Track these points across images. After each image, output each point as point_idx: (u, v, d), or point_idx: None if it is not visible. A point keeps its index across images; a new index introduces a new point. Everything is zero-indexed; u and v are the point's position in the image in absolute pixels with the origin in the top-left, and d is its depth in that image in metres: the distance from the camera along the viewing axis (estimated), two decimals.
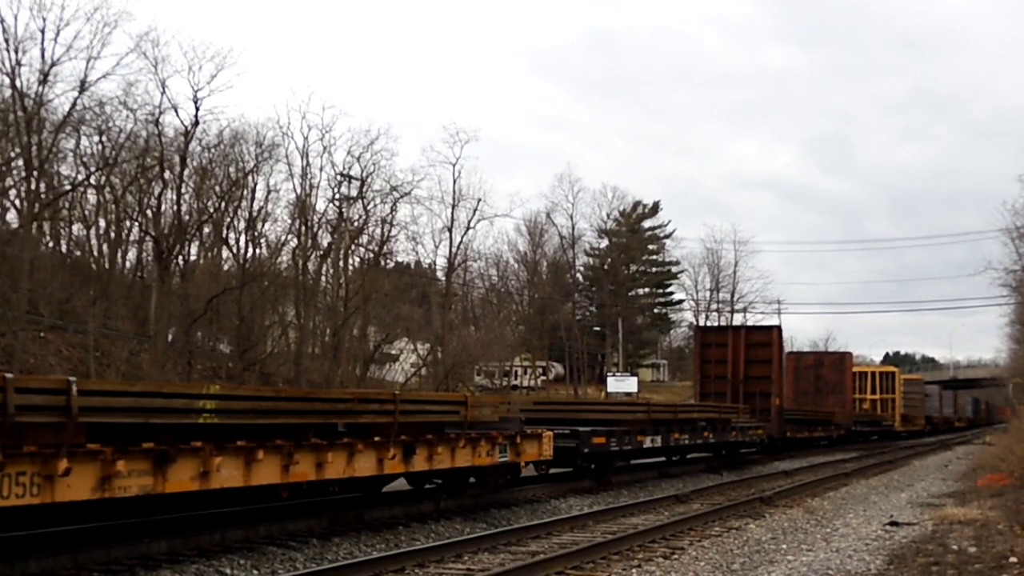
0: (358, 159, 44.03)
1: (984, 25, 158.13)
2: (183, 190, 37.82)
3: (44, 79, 31.63)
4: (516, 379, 64.78)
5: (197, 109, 36.46)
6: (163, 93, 35.96)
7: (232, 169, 41.08)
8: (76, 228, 41.12)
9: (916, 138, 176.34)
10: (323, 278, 46.07)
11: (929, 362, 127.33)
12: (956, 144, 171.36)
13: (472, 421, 13.40)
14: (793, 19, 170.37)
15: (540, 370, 70.07)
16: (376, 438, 11.38)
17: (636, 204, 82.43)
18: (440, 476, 14.46)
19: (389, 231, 47.34)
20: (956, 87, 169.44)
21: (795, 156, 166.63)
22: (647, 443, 19.58)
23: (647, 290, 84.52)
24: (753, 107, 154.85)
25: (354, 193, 44.66)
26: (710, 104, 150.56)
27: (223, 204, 40.59)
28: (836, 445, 39.49)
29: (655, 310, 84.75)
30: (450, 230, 52.74)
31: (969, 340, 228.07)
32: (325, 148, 45.35)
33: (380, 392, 17.36)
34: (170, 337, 36.23)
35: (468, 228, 53.82)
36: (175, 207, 37.31)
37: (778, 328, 32.90)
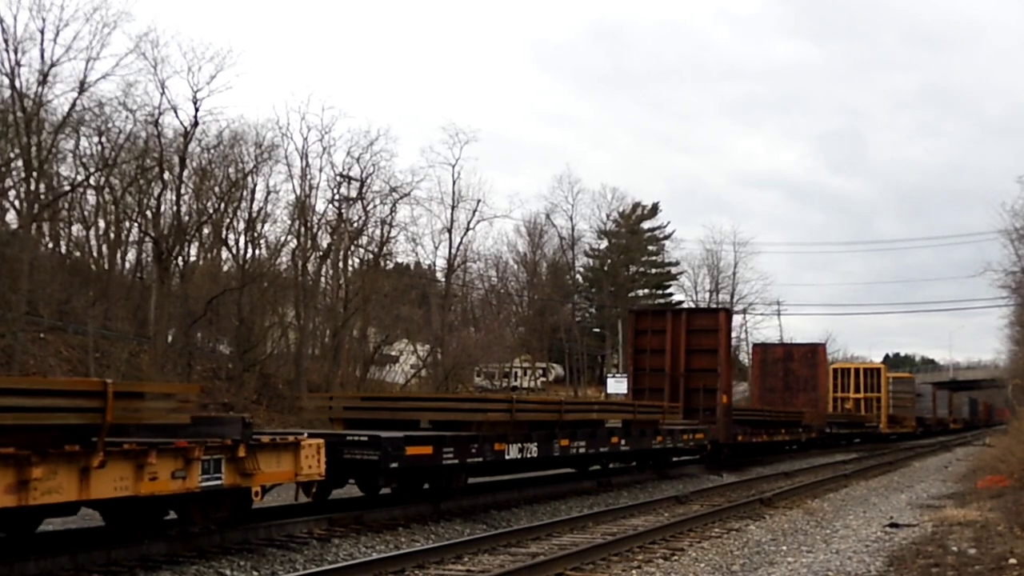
0: (357, 160, 43.98)
1: (999, 19, 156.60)
2: (183, 191, 37.78)
3: (43, 80, 31.59)
4: (516, 380, 64.73)
5: (197, 110, 36.40)
6: (162, 94, 35.91)
7: (232, 170, 41.04)
8: (75, 229, 41.07)
9: (928, 135, 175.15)
10: (323, 279, 46.02)
11: (929, 363, 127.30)
12: (968, 141, 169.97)
13: (126, 422, 8.77)
14: (804, 12, 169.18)
15: (540, 371, 70.04)
16: None
17: (636, 205, 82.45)
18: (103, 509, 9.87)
19: (389, 232, 47.30)
20: (970, 82, 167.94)
21: (803, 153, 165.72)
22: (512, 453, 14.78)
23: (647, 291, 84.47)
24: (761, 103, 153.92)
25: (354, 194, 44.61)
26: (717, 100, 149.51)
27: (223, 205, 40.55)
28: (807, 450, 35.34)
29: None
30: (450, 231, 52.73)
31: (970, 342, 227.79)
32: (324, 149, 45.38)
33: None
34: (170, 338, 36.19)
35: (468, 229, 53.81)
36: (174, 208, 37.28)
37: (726, 311, 28.60)
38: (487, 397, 15.48)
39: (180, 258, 39.62)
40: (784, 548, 12.05)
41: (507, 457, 14.64)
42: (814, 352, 39.48)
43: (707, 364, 26.10)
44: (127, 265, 42.90)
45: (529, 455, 15.35)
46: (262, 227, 43.45)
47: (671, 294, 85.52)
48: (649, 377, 26.32)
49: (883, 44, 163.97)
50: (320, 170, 44.32)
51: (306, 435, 11.17)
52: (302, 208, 42.16)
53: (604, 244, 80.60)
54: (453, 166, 52.18)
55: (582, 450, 17.01)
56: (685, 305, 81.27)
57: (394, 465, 12.25)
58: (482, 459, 14.07)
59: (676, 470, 22.88)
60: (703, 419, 24.71)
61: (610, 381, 66.98)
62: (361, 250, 46.69)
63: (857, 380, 47.72)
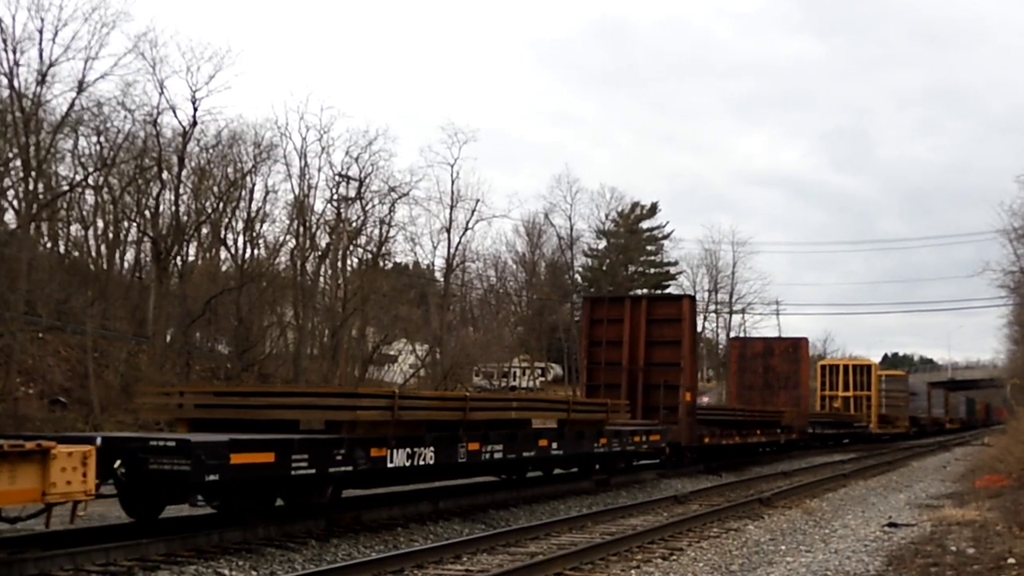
0: (356, 160, 44.00)
1: (1005, 16, 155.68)
2: (181, 191, 37.77)
3: (42, 79, 31.57)
4: (515, 380, 64.73)
5: (195, 109, 36.39)
6: (161, 93, 35.90)
7: (230, 170, 41.08)
8: (74, 229, 41.07)
9: (932, 133, 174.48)
10: (321, 279, 46.05)
11: (927, 363, 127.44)
12: (972, 139, 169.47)
13: None
14: (808, 8, 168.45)
15: (539, 371, 70.04)
16: None
17: (635, 205, 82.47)
18: None
19: (387, 232, 47.32)
20: (975, 80, 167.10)
21: (806, 151, 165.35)
22: (397, 459, 12.19)
23: (646, 291, 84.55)
24: (764, 100, 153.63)
25: (352, 194, 44.65)
26: (719, 98, 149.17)
27: (221, 205, 40.57)
28: (787, 452, 32.94)
29: None
30: (448, 231, 52.76)
31: (969, 342, 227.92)
32: (323, 149, 45.35)
33: None
34: (168, 338, 36.17)
35: (466, 229, 53.83)
36: (173, 208, 37.27)
37: (690, 298, 25.81)
38: (358, 392, 12.60)
39: (179, 258, 39.63)
40: (783, 548, 12.05)
41: (390, 465, 12.02)
42: (796, 347, 36.39)
43: (669, 357, 23.64)
44: (126, 265, 42.91)
45: (423, 462, 12.70)
46: (261, 227, 43.54)
47: (670, 294, 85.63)
48: (605, 372, 23.98)
49: (888, 41, 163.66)
50: (319, 170, 44.38)
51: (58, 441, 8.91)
52: (301, 208, 42.18)
53: (603, 244, 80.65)
54: (452, 166, 52.26)
55: (498, 455, 14.35)
56: None
57: (213, 477, 9.62)
58: (352, 468, 11.46)
59: (622, 477, 20.31)
60: (664, 419, 22.48)
61: None
62: (360, 250, 46.74)
63: (846, 377, 45.75)
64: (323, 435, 11.47)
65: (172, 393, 14.50)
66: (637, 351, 23.81)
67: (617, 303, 25.09)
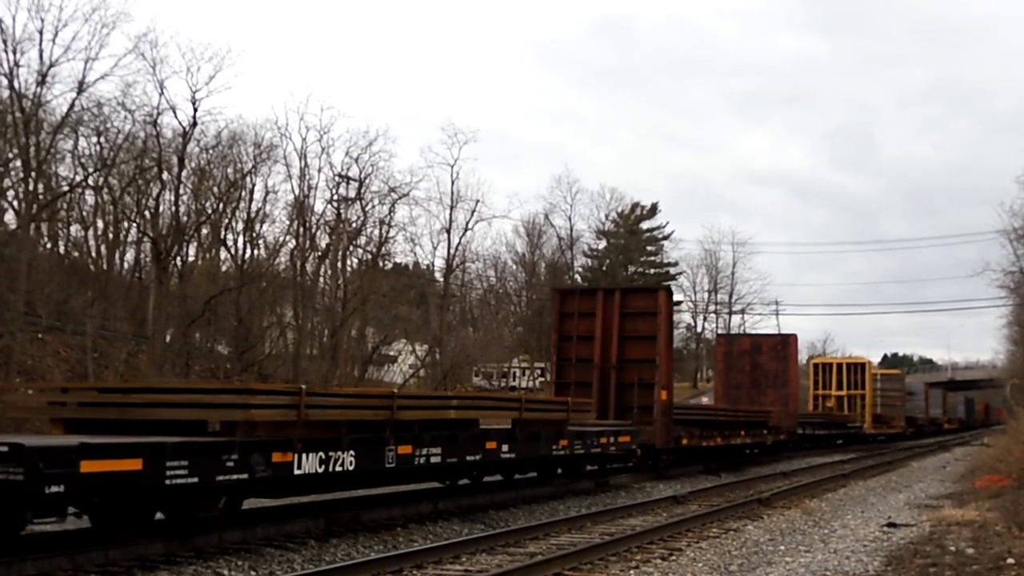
0: (356, 160, 44.05)
1: (1010, 13, 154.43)
2: (181, 191, 37.81)
3: (42, 80, 31.60)
4: (515, 380, 64.73)
5: (195, 110, 36.42)
6: (161, 94, 35.94)
7: (230, 170, 41.13)
8: (74, 229, 41.13)
9: (935, 131, 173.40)
10: (321, 279, 46.11)
11: (927, 363, 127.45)
12: (976, 138, 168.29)
13: None
14: (813, 5, 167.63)
15: (539, 371, 70.04)
16: None
17: (635, 205, 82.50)
18: None
19: (387, 232, 47.37)
20: (979, 78, 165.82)
21: (809, 150, 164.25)
22: (307, 465, 10.67)
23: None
24: (767, 99, 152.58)
25: (352, 194, 44.69)
26: (722, 96, 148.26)
27: (221, 205, 40.62)
28: (774, 454, 31.63)
29: None
30: (448, 231, 52.82)
31: (969, 342, 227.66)
32: (323, 149, 45.39)
33: None
34: (168, 338, 36.18)
35: (466, 229, 53.92)
36: (173, 208, 37.31)
37: (666, 290, 24.50)
38: (251, 387, 11.16)
39: (179, 258, 39.65)
40: (782, 548, 12.06)
41: (297, 471, 10.52)
42: (785, 344, 34.52)
43: (644, 354, 22.14)
44: (125, 265, 42.96)
45: (340, 467, 11.15)
46: (261, 227, 43.61)
47: (645, 286, 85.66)
48: (576, 369, 22.50)
49: (892, 38, 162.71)
50: (319, 170, 44.40)
51: None
52: (301, 208, 42.22)
53: (603, 244, 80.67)
54: (452, 166, 52.33)
55: (435, 459, 12.88)
56: (684, 306, 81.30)
57: (56, 489, 8.04)
58: (248, 476, 9.89)
59: (589, 483, 18.90)
60: (638, 419, 21.04)
61: None
62: (360, 250, 46.78)
63: (839, 376, 44.29)
64: (209, 438, 10.11)
65: (52, 389, 12.82)
66: (610, 347, 22.41)
67: (589, 296, 23.69)
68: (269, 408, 10.42)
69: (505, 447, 14.60)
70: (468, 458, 13.76)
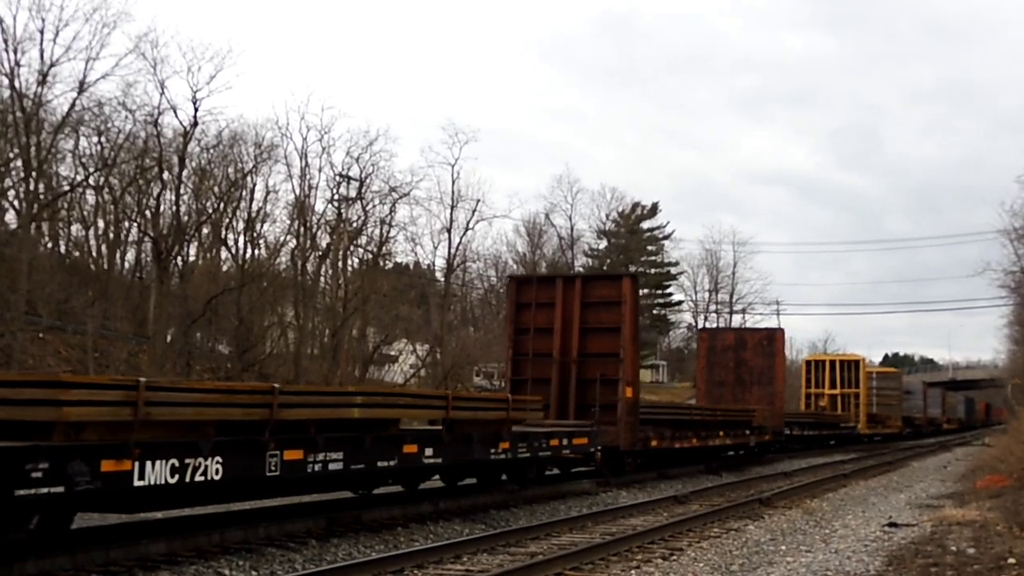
0: (357, 160, 44.13)
1: (1018, 10, 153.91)
2: (182, 191, 37.89)
3: (43, 80, 31.67)
4: None
5: (196, 110, 36.51)
6: (162, 94, 36.05)
7: (231, 170, 41.19)
8: (75, 229, 41.20)
9: (941, 130, 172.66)
10: (322, 279, 46.15)
11: (928, 363, 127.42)
12: (982, 137, 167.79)
13: None
14: (818, 2, 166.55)
15: None
16: None
17: (635, 205, 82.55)
18: None
19: (388, 232, 47.46)
20: (986, 76, 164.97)
21: (813, 149, 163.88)
22: (152, 475, 8.58)
23: (646, 291, 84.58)
24: (772, 97, 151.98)
25: (353, 194, 44.75)
26: (726, 94, 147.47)
27: (222, 205, 40.66)
28: (759, 456, 29.62)
29: (654, 311, 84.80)
30: (449, 231, 52.82)
31: (970, 342, 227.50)
32: (324, 149, 45.56)
33: None
34: (169, 338, 36.22)
35: (467, 229, 53.91)
36: (174, 208, 37.35)
37: (631, 277, 22.70)
38: (61, 380, 8.68)
39: (179, 258, 39.70)
40: (783, 548, 12.06)
41: (139, 483, 8.49)
42: (771, 339, 32.36)
43: (607, 347, 20.30)
44: (126, 265, 43.02)
45: (203, 477, 9.15)
46: (261, 227, 43.66)
47: (671, 294, 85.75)
48: (532, 365, 20.69)
49: (899, 35, 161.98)
50: (319, 170, 44.47)
51: None
52: (301, 208, 42.27)
53: (603, 244, 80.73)
54: (452, 166, 52.32)
55: (336, 466, 10.85)
56: (685, 306, 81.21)
57: None
58: (64, 488, 7.86)
59: (541, 489, 17.15)
60: (600, 418, 19.15)
61: None
62: (360, 250, 46.84)
63: (833, 374, 42.56)
64: (3, 442, 7.81)
65: None
66: (570, 340, 20.52)
67: (547, 284, 21.69)
68: (91, 406, 8.32)
69: (428, 451, 12.60)
70: (380, 464, 11.70)
